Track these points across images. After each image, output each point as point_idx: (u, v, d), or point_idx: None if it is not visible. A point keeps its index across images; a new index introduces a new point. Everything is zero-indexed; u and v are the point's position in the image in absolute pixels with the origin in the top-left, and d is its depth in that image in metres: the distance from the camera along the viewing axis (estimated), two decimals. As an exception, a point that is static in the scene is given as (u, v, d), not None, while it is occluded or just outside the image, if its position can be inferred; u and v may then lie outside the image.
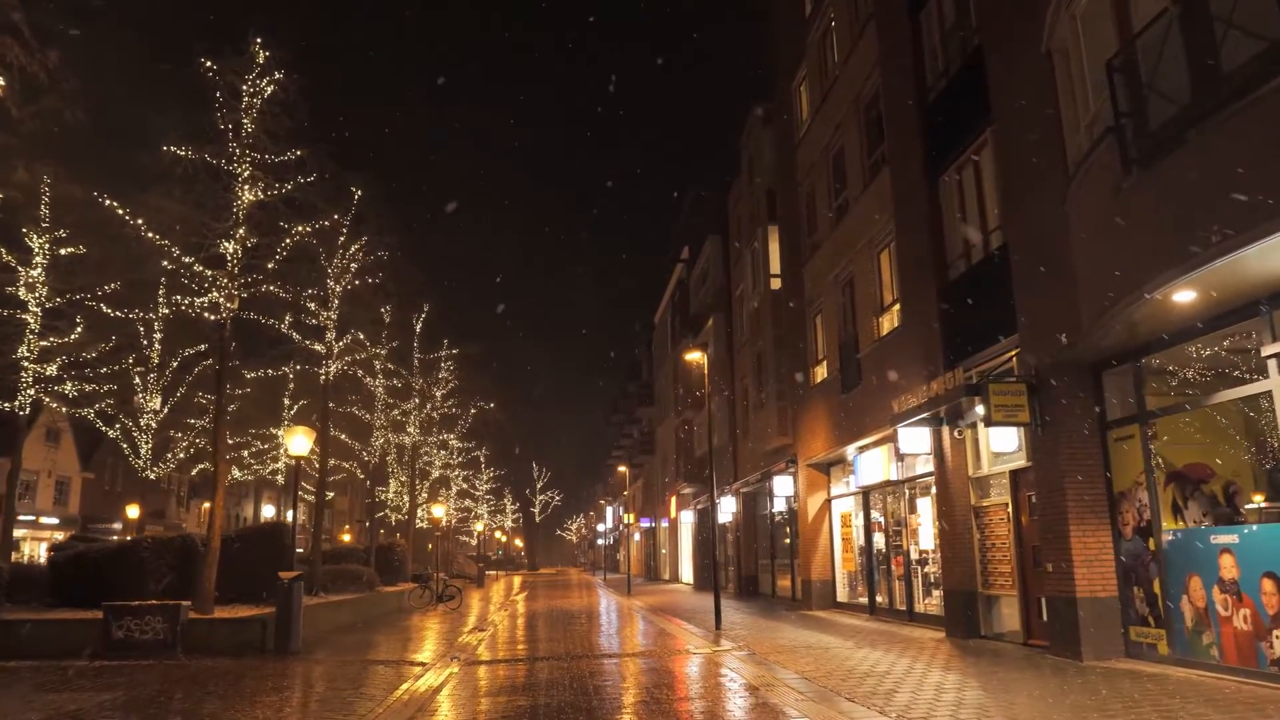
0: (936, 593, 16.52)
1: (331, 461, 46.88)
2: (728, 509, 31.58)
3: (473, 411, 42.19)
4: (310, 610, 19.24)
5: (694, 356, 19.16)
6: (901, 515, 17.45)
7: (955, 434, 14.16)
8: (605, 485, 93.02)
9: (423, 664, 13.29)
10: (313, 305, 24.00)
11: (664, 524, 51.65)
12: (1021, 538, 12.57)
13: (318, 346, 24.85)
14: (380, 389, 31.72)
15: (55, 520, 45.88)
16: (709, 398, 19.25)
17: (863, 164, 18.66)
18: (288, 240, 17.19)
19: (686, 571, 44.07)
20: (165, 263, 16.02)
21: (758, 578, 29.71)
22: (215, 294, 16.92)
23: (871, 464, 18.49)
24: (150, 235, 16.09)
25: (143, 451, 31.28)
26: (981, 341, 13.30)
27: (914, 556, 17.00)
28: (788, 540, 25.85)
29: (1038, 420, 11.47)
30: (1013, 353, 12.45)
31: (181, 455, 32.38)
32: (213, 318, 16.96)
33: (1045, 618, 11.68)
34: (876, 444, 18.12)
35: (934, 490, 16.23)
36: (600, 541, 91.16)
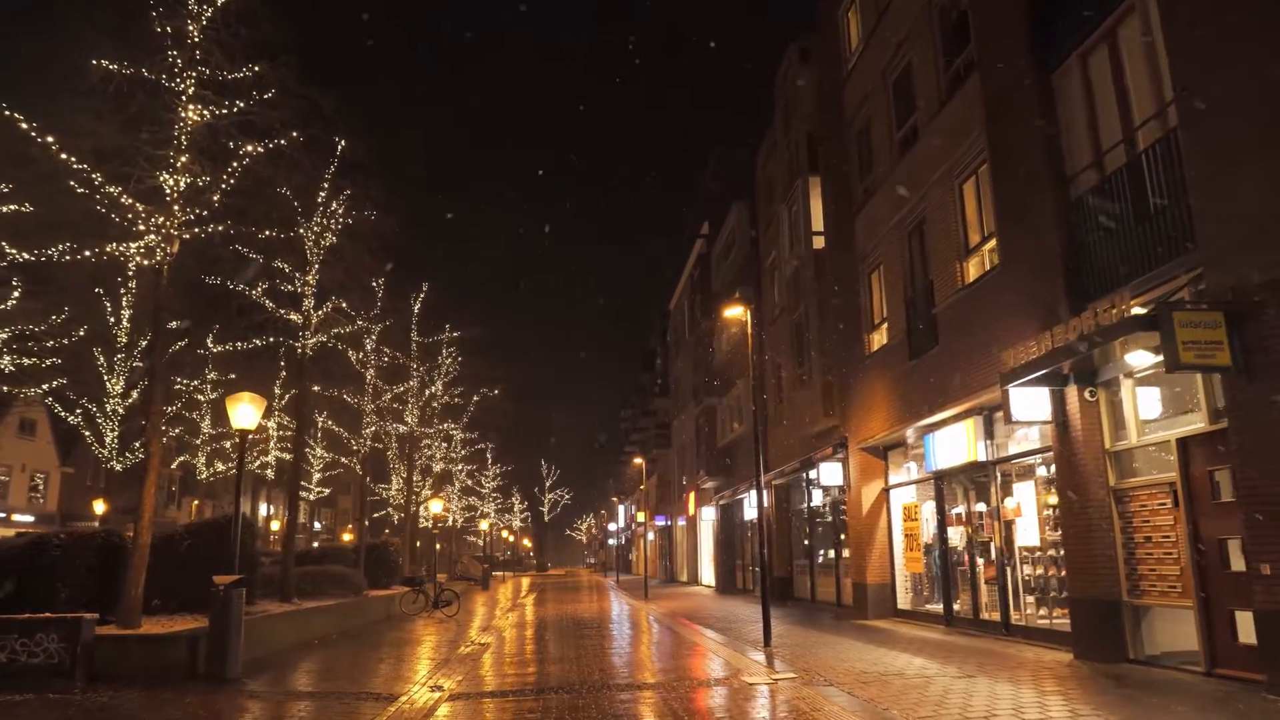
0: (1029, 599, 13.32)
1: (329, 456, 44.06)
2: (757, 503, 28.27)
3: (475, 399, 39.01)
4: (274, 621, 16.14)
5: (734, 313, 15.89)
6: (992, 504, 14.16)
7: (1086, 394, 10.88)
8: (616, 483, 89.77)
9: (395, 697, 10.11)
10: (286, 267, 20.95)
11: (681, 522, 48.39)
12: (1197, 528, 9.28)
13: (294, 316, 21.77)
14: (371, 371, 28.57)
15: (30, 518, 42.89)
16: (751, 364, 15.97)
17: (938, 79, 15.39)
18: (236, 165, 14.00)
19: (707, 573, 40.81)
20: (74, 183, 12.84)
21: (792, 580, 26.44)
22: (151, 235, 13.78)
23: (949, 443, 15.21)
24: (64, 157, 12.95)
25: (108, 440, 28.25)
26: (1130, 269, 10.04)
27: (1010, 555, 13.73)
28: (830, 537, 22.60)
29: (1240, 363, 8.19)
30: (1186, 276, 9.17)
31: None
32: (146, 263, 13.82)
33: (1252, 640, 8.38)
34: (958, 418, 14.84)
35: (1040, 472, 12.99)
36: (611, 541, 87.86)
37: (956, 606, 15.61)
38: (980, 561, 14.37)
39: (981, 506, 14.88)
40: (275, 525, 61.55)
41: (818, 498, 23.85)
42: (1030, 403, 11.29)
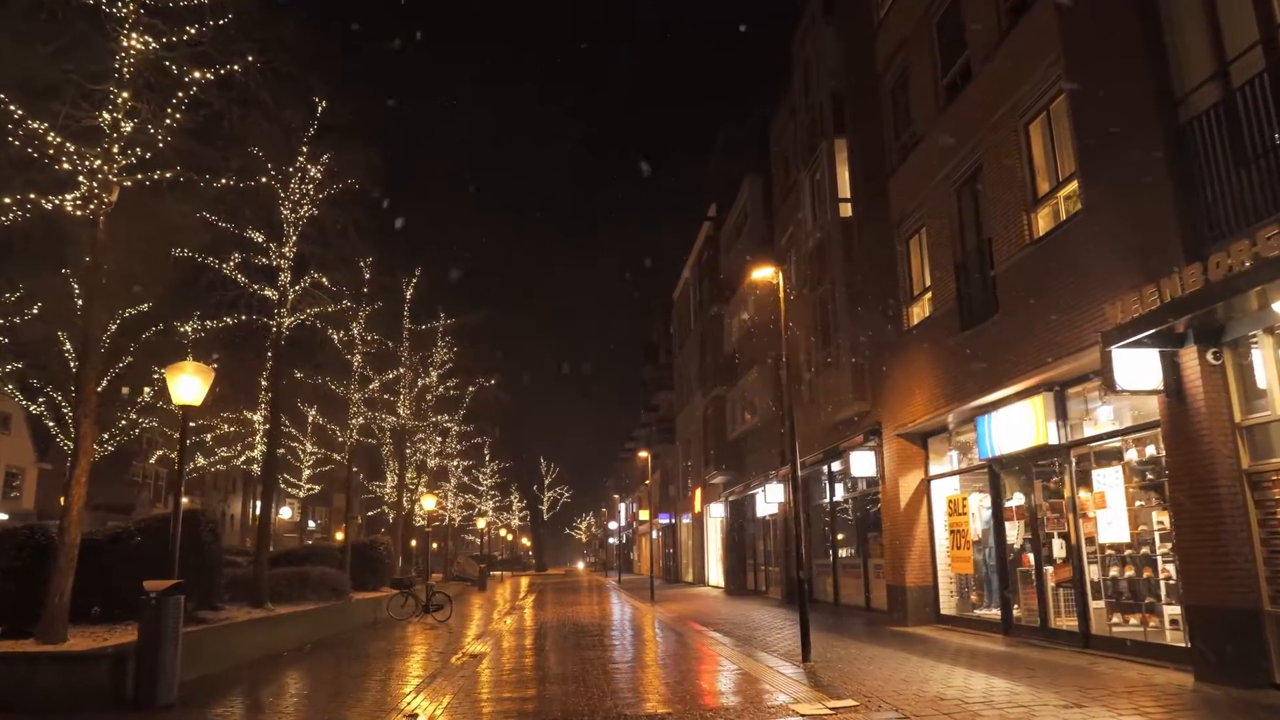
0: (1095, 603, 11.41)
1: (320, 451, 42.01)
2: (773, 498, 26.31)
3: (471, 389, 37.02)
4: (237, 630, 14.17)
5: (765, 274, 13.94)
6: (1066, 494, 12.16)
7: (1209, 357, 8.89)
8: (617, 480, 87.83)
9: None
10: (259, 236, 19.01)
11: (685, 520, 46.41)
12: (1378, 521, 7.30)
13: (269, 292, 19.82)
14: (357, 357, 26.59)
15: (4, 516, 40.82)
16: (785, 330, 13.90)
17: (996, 8, 13.40)
18: (182, 95, 11.98)
19: (715, 573, 38.84)
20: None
21: (813, 581, 24.42)
22: (88, 182, 11.79)
23: (1010, 425, 13.21)
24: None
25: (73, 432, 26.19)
26: (1272, 198, 8.07)
27: (1088, 554, 11.76)
28: (856, 534, 20.60)
29: None
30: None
31: (120, 438, 27.06)
32: (79, 212, 11.81)
33: None
34: (1021, 395, 12.85)
35: (1129, 455, 11.02)
36: (612, 540, 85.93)
37: (1016, 613, 13.64)
38: (1070, 559, 12.24)
39: (1047, 498, 12.91)
40: (264, 524, 59.51)
41: (841, 491, 21.88)
42: (1137, 369, 9.29)
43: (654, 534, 57.17)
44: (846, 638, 14.98)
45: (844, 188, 20.15)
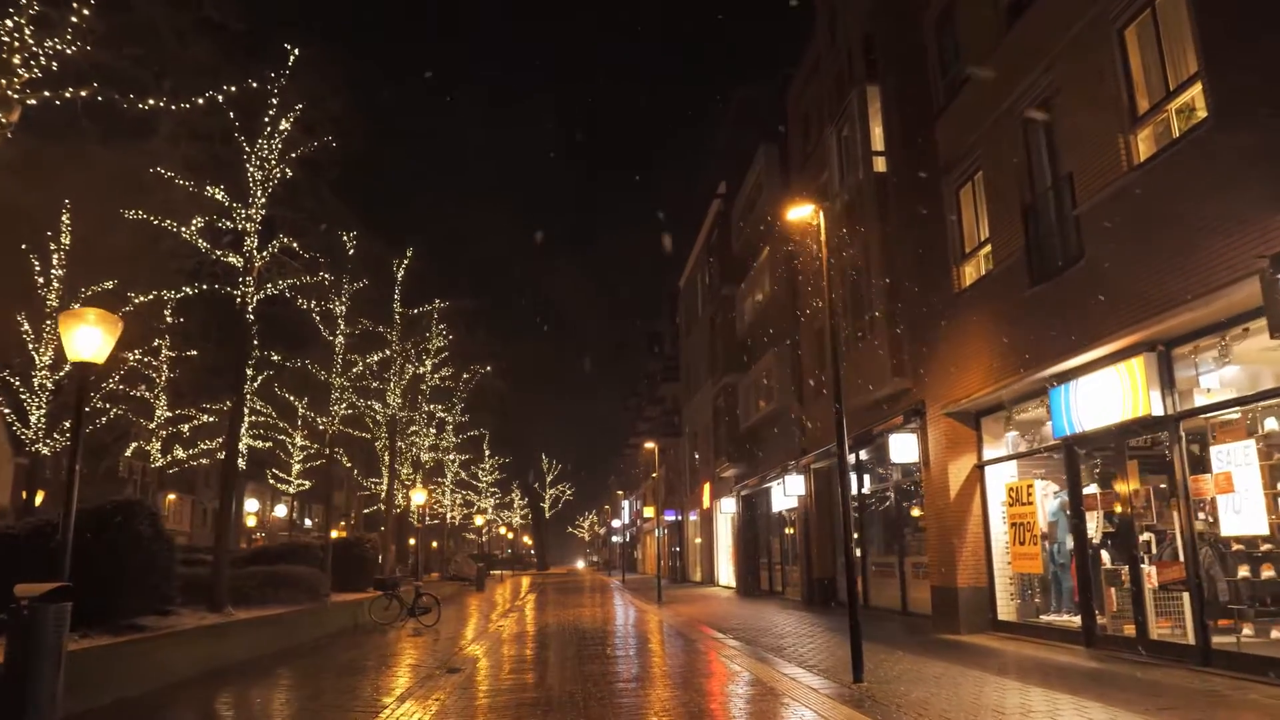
0: (1201, 609, 9.16)
1: (311, 446, 39.91)
2: (792, 490, 24.12)
3: (466, 376, 34.86)
4: (178, 641, 12.00)
5: (802, 213, 11.65)
6: (1177, 476, 9.96)
7: None
8: (620, 477, 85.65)
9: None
10: (218, 191, 16.91)
11: (693, 516, 44.24)
12: None
13: (233, 259, 17.70)
14: (340, 338, 24.47)
15: (-25, 513, 38.72)
16: (827, 286, 11.61)
17: (1078, -104, 11.22)
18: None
19: (725, 573, 36.70)
20: None
21: (836, 581, 22.26)
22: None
23: (1098, 395, 11.01)
24: None
25: (33, 419, 24.07)
26: None
27: (1199, 550, 9.59)
28: (889, 529, 18.43)
29: None
30: None
31: (87, 426, 24.86)
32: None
33: None
34: (1111, 359, 10.65)
35: (1269, 425, 8.83)
36: (615, 539, 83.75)
37: (1100, 620, 11.46)
38: (1183, 555, 10.00)
39: (1144, 482, 10.73)
40: (251, 522, 57.67)
41: (870, 482, 19.71)
42: (1311, 304, 7.11)
43: (659, 532, 54.94)
44: (894, 648, 12.79)
45: (878, 140, 17.95)
